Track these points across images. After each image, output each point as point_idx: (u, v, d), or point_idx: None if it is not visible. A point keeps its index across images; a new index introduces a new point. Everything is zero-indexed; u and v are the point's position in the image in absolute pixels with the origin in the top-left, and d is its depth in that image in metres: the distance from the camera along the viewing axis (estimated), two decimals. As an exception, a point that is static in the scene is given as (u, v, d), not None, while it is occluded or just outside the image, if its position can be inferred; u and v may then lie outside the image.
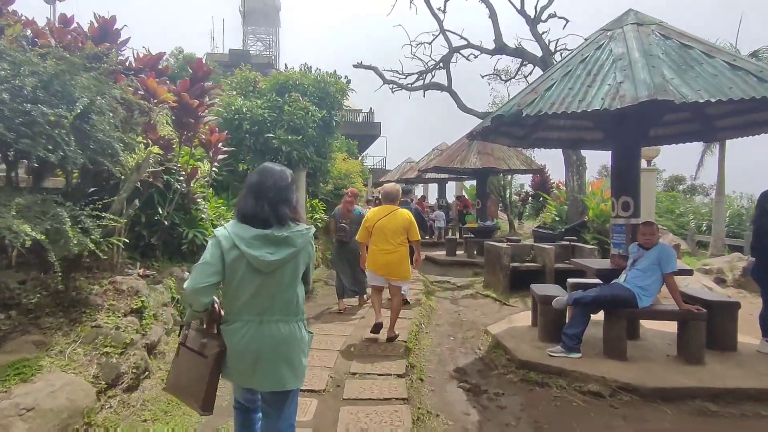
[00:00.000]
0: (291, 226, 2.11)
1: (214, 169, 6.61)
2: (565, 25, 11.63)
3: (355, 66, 12.61)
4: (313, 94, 8.33)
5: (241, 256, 2.02)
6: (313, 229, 2.25)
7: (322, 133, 8.21)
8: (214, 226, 6.12)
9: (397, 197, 5.21)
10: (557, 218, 11.22)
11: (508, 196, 19.54)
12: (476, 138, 6.01)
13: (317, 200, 10.45)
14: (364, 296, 6.93)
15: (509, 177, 19.01)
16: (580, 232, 10.09)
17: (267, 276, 2.05)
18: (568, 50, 11.38)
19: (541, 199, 17.49)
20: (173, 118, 5.44)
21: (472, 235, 12.41)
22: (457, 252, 12.60)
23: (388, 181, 24.71)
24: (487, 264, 9.30)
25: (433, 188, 31.56)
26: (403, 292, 5.83)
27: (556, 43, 11.44)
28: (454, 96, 11.74)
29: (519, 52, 11.29)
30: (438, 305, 7.71)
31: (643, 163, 8.69)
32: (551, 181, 17.48)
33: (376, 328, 5.15)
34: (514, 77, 13.94)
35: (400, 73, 13.36)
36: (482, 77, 15.01)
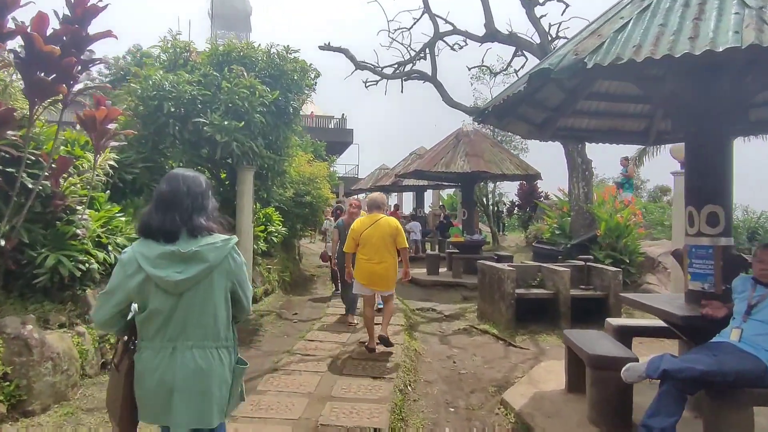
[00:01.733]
0: (202, 239, 1.84)
1: (109, 162, 4.61)
2: (564, 10, 10.08)
3: (321, 48, 10.71)
4: (263, 71, 6.41)
5: (147, 279, 1.79)
6: (234, 240, 1.91)
7: (274, 122, 6.29)
8: (101, 246, 4.11)
9: (383, 205, 5.08)
10: (557, 232, 9.60)
11: (491, 205, 17.97)
12: (487, 120, 4.25)
13: (272, 209, 8.48)
14: (352, 315, 6.59)
15: (492, 185, 17.48)
16: (589, 248, 8.47)
17: (179, 298, 1.82)
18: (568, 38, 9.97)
19: (529, 209, 15.96)
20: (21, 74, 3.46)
21: (457, 251, 10.69)
22: (440, 270, 10.84)
23: (360, 190, 22.96)
24: (481, 289, 7.53)
25: (408, 197, 30.06)
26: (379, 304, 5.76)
27: (558, 28, 9.95)
28: (439, 87, 10.03)
29: (513, 39, 9.72)
30: (425, 346, 5.86)
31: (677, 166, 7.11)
32: (539, 190, 16.02)
33: (371, 351, 5.01)
34: (505, 69, 12.43)
35: (376, 66, 11.59)
36: (469, 69, 13.44)
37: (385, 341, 4.93)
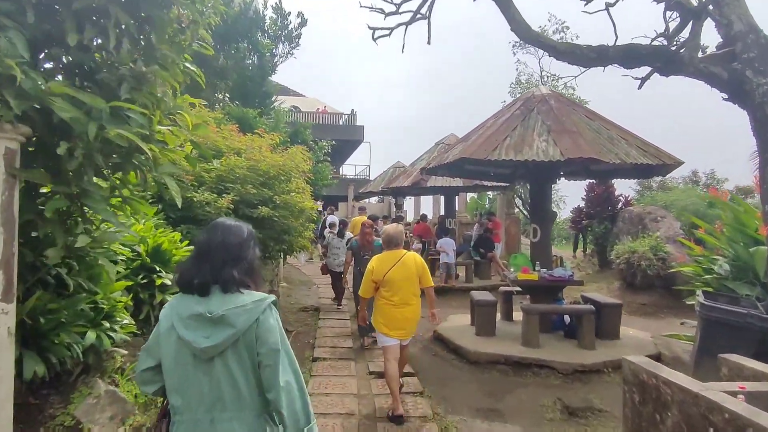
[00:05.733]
0: (234, 298, 1.68)
1: None
2: None
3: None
4: None
5: (178, 339, 1.67)
6: (270, 300, 1.71)
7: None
8: None
9: (402, 240, 4.46)
10: (725, 266, 5.15)
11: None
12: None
13: (169, 232, 4.27)
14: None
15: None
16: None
17: (211, 363, 1.66)
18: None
19: (606, 221, 11.34)
20: None
21: (519, 290, 6.40)
22: (496, 322, 6.49)
23: (371, 194, 18.50)
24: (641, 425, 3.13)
25: (427, 203, 25.63)
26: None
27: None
28: (507, 6, 5.43)
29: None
30: None
31: None
32: (615, 192, 11.49)
33: (397, 419, 4.08)
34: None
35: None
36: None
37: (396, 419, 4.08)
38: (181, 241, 4.32)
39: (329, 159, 13.47)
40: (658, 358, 5.78)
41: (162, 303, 3.72)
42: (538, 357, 5.47)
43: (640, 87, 6.98)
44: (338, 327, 7.16)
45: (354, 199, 29.59)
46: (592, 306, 6.04)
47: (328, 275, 8.35)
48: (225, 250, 1.71)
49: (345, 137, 34.16)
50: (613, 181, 11.90)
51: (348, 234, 8.16)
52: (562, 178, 7.97)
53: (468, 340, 6.19)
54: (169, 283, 3.69)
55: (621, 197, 11.90)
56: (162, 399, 1.82)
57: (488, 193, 28.33)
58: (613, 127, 6.05)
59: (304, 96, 38.47)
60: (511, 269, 6.99)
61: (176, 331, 1.66)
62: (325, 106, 37.00)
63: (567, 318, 6.44)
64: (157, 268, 3.79)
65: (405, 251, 4.38)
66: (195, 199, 4.73)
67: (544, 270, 6.51)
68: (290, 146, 6.38)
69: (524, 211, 14.02)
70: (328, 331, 6.93)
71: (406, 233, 15.34)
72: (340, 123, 35.39)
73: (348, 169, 39.17)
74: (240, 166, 5.12)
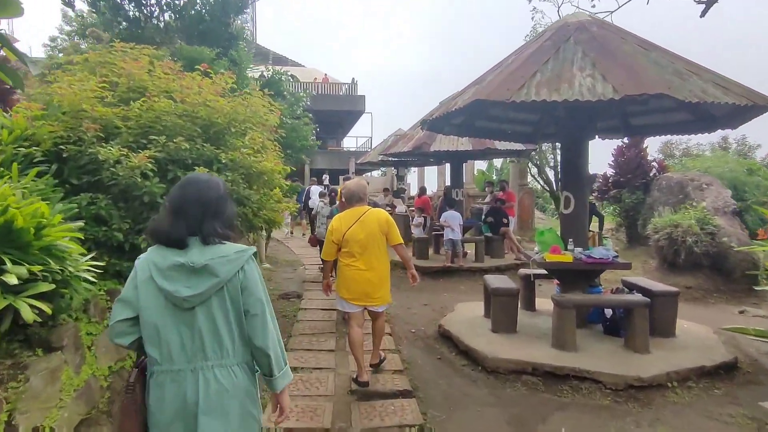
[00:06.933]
0: (215, 249, 1.70)
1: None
2: None
3: None
4: None
5: (157, 290, 1.68)
6: (250, 251, 1.76)
7: None
8: None
9: (365, 195, 4.04)
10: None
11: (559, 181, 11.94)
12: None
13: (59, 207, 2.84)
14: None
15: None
16: None
17: (192, 314, 1.68)
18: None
19: (639, 188, 9.82)
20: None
21: (543, 273, 5.05)
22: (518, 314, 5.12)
23: (370, 165, 16.97)
24: None
25: (431, 174, 23.97)
26: None
27: None
28: None
29: None
30: None
31: None
32: (647, 156, 9.83)
33: (360, 383, 3.86)
34: None
35: None
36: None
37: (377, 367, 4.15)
38: (65, 215, 2.93)
39: (310, 116, 11.79)
40: (735, 365, 4.42)
41: (6, 310, 2.39)
42: (578, 366, 4.11)
43: (703, 14, 5.42)
44: (319, 320, 5.83)
45: (355, 173, 28.09)
46: (645, 297, 4.64)
47: (318, 248, 7.47)
48: (202, 205, 1.72)
49: (346, 108, 32.53)
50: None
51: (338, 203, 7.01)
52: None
53: (483, 340, 4.84)
54: (17, 281, 2.32)
55: (654, 163, 10.33)
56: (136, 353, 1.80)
57: (495, 164, 26.59)
58: (678, 60, 4.51)
59: (303, 66, 36.60)
60: (534, 249, 5.58)
61: (155, 281, 1.66)
62: (325, 74, 35.19)
63: (608, 310, 5.06)
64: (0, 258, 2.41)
65: (368, 207, 3.98)
66: (100, 156, 3.32)
67: (579, 249, 5.10)
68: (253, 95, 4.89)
69: (540, 182, 12.51)
70: (307, 326, 5.61)
71: (407, 207, 14.02)
72: (341, 93, 33.68)
73: (349, 142, 37.63)
74: (168, 111, 3.68)
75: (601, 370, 4.05)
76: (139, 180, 3.33)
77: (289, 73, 13.06)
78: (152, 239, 1.76)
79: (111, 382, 3.25)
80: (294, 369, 4.30)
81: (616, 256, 4.95)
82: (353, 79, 33.40)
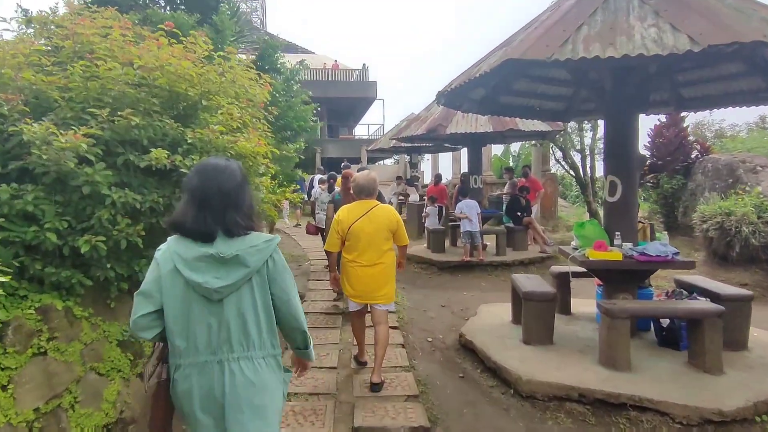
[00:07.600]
0: (241, 240, 1.68)
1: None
2: None
3: None
4: None
5: (183, 282, 1.64)
6: (276, 240, 1.74)
7: None
8: None
9: (375, 189, 3.90)
10: None
11: (587, 165, 10.76)
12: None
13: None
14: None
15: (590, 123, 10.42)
16: None
17: (220, 305, 1.66)
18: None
19: (679, 172, 8.79)
20: None
21: (581, 271, 4.17)
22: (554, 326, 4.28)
23: (381, 151, 15.92)
24: None
25: (445, 160, 22.90)
26: None
27: None
28: None
29: None
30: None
31: None
32: (688, 136, 8.78)
33: (359, 362, 4.09)
34: None
35: None
36: None
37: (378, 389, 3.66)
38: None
39: (310, 93, 10.87)
40: (835, 390, 3.53)
41: None
42: (639, 394, 3.28)
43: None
44: (322, 327, 5.07)
45: (367, 161, 27.23)
46: (717, 305, 3.77)
47: (318, 236, 7.39)
48: (223, 196, 1.66)
49: (357, 94, 31.56)
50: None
51: (337, 189, 6.43)
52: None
53: (514, 355, 4.03)
54: None
55: (697, 144, 9.29)
56: (155, 344, 1.80)
57: (512, 148, 25.30)
58: (762, 8, 3.59)
59: (314, 53, 35.68)
60: (572, 244, 4.73)
61: (181, 273, 1.63)
62: (335, 61, 34.25)
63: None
64: None
65: (377, 203, 3.87)
66: (24, 137, 2.56)
67: (629, 245, 4.24)
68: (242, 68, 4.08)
69: (565, 166, 11.54)
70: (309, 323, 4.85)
71: (420, 196, 13.15)
72: (352, 79, 32.71)
73: (361, 130, 36.77)
74: (116, 79, 2.89)
75: (668, 399, 3.22)
76: (73, 166, 2.56)
77: (304, 61, 12.15)
78: (177, 230, 1.70)
79: (42, 426, 2.53)
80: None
81: (677, 253, 4.07)
82: (364, 64, 32.42)
